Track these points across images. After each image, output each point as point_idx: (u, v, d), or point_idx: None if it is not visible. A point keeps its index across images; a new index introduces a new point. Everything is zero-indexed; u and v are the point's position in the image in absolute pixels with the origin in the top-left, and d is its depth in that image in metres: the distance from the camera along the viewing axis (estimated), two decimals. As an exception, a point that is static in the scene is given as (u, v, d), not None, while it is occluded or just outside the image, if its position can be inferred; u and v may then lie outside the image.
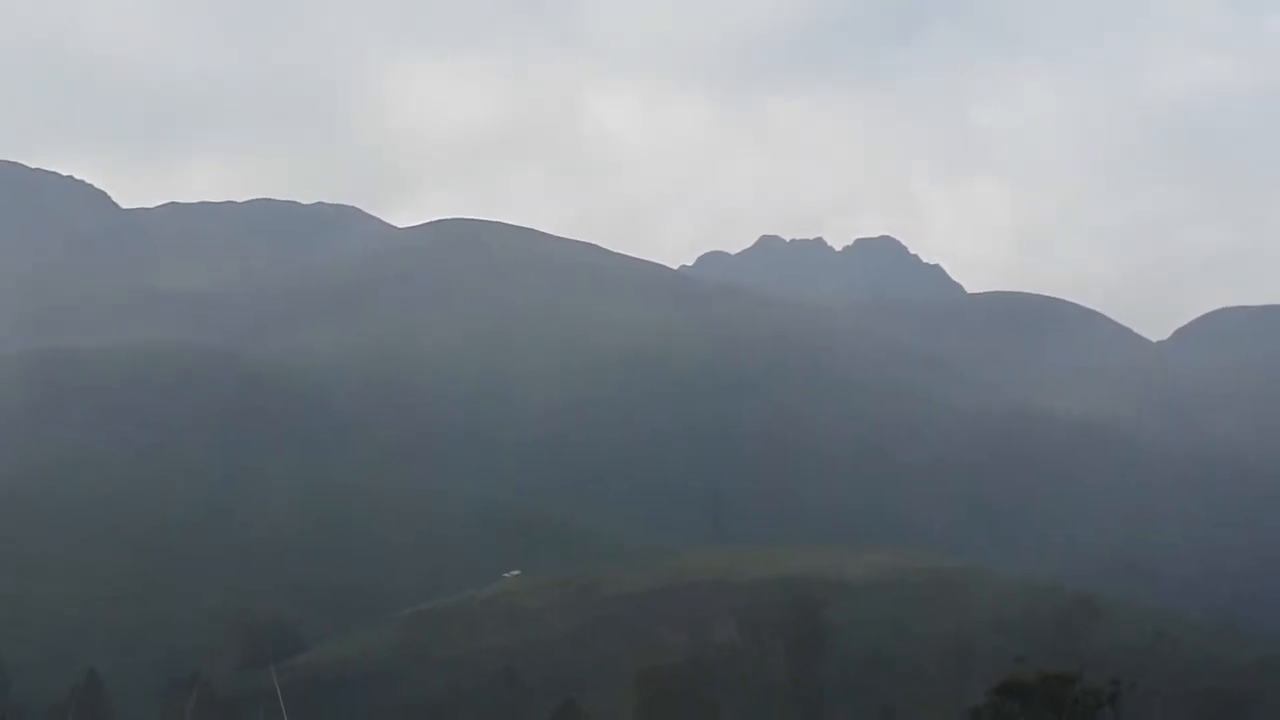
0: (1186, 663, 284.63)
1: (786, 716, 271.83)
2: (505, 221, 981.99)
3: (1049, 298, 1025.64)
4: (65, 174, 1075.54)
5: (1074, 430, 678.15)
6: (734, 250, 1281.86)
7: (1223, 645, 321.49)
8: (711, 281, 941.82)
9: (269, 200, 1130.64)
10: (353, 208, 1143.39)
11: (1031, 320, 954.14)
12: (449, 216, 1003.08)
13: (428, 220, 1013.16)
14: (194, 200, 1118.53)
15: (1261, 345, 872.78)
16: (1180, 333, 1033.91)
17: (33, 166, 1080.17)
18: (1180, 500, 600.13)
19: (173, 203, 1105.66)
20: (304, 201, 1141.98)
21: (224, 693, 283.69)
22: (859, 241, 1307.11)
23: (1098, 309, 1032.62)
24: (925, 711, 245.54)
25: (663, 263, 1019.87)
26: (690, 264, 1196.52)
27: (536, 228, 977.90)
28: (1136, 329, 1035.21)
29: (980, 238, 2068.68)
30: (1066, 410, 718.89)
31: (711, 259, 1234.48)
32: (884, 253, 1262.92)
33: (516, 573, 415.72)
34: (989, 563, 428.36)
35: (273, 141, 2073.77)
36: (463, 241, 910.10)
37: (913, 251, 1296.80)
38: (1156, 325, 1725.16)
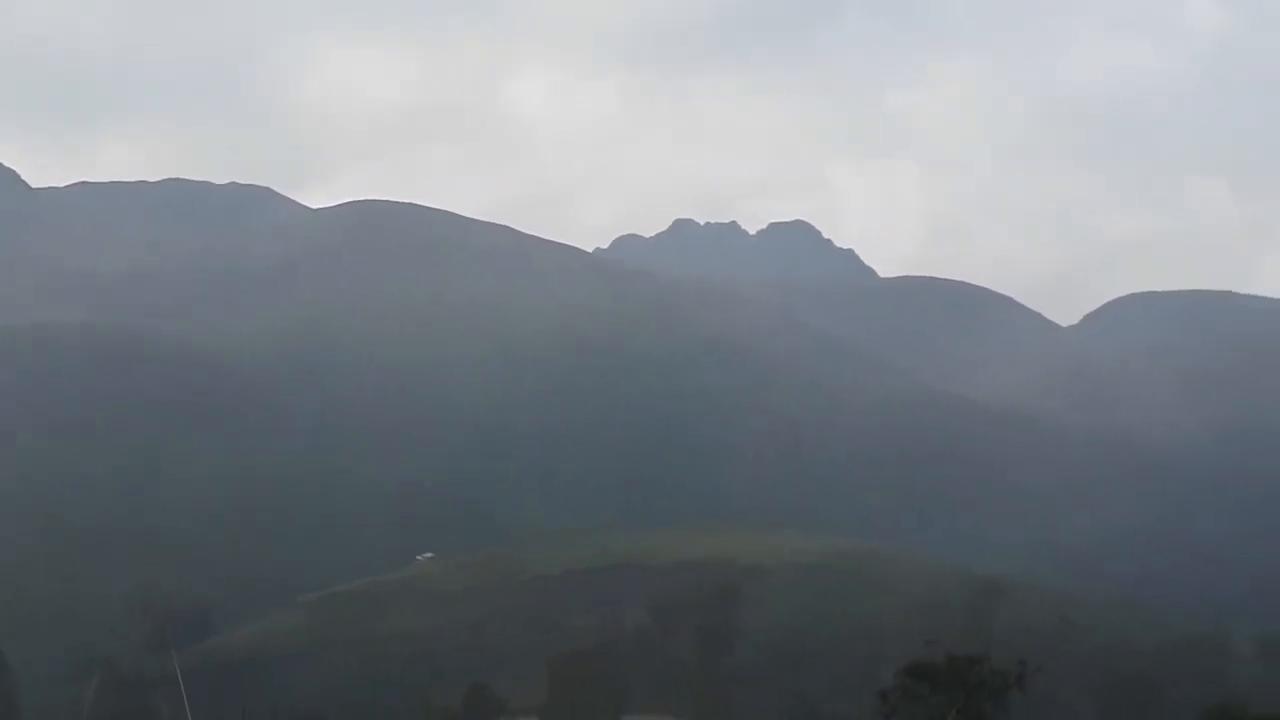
0: (1092, 645, 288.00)
1: (697, 699, 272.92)
2: (420, 203, 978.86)
3: (961, 283, 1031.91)
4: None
5: (985, 415, 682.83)
6: (649, 233, 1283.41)
7: (1128, 628, 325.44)
8: (625, 264, 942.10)
9: (181, 180, 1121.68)
10: (266, 188, 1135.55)
11: (943, 305, 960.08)
12: (363, 198, 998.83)
13: (342, 202, 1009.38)
14: (105, 180, 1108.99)
15: (1169, 331, 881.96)
16: (1090, 317, 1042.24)
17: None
18: (1090, 485, 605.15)
19: (84, 182, 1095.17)
20: (217, 182, 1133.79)
21: (130, 676, 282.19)
22: (772, 225, 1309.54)
23: (1009, 294, 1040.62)
24: (836, 694, 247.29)
25: (578, 245, 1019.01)
26: (605, 246, 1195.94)
27: (452, 209, 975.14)
28: (1048, 314, 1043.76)
29: (894, 223, 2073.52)
30: (978, 396, 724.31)
31: (626, 242, 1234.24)
32: (797, 237, 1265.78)
33: (430, 555, 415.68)
34: (902, 547, 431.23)
35: (185, 121, 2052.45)
36: (377, 223, 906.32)
37: (826, 236, 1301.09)
38: (1067, 311, 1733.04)
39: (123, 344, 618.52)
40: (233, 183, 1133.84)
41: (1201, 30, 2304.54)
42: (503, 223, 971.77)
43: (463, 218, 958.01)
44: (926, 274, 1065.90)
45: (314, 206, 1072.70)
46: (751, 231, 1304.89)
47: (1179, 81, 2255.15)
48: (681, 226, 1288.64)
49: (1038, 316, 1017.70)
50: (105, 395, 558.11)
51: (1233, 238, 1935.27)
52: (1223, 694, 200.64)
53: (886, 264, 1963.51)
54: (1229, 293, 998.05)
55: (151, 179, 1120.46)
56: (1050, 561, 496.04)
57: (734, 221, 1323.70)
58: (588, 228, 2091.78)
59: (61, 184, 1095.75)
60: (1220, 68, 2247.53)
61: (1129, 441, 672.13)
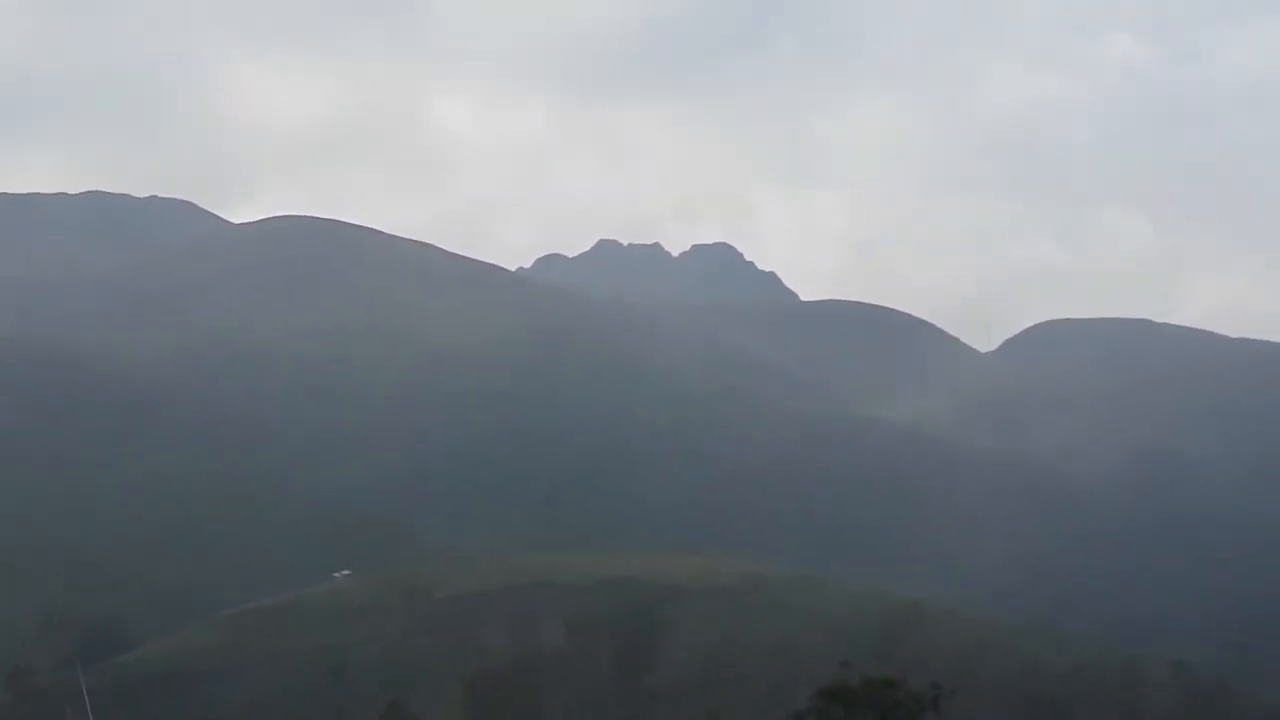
0: (1007, 667, 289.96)
1: (616, 718, 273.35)
2: (342, 219, 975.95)
3: (881, 307, 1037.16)
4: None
5: (902, 439, 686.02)
6: (571, 253, 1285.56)
7: (1042, 650, 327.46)
8: (546, 284, 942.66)
9: (101, 193, 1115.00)
10: (187, 202, 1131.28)
11: (863, 329, 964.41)
12: (285, 214, 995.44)
13: (264, 217, 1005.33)
14: (24, 191, 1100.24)
15: (1085, 357, 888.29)
16: (1008, 344, 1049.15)
17: None
18: (1004, 509, 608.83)
19: (2, 193, 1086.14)
20: (138, 195, 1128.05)
21: (40, 692, 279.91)
22: (695, 247, 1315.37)
23: (929, 319, 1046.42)
24: (752, 716, 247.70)
25: (502, 264, 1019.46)
26: (528, 266, 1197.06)
27: (374, 226, 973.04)
28: (965, 339, 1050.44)
29: (816, 247, 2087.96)
30: (895, 419, 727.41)
31: (549, 262, 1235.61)
32: (720, 259, 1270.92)
33: (346, 572, 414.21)
34: (816, 569, 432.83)
35: (107, 134, 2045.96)
36: (297, 238, 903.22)
37: (749, 259, 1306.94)
38: (985, 336, 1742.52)
39: (38, 356, 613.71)
40: (153, 196, 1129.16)
41: (1118, 63, 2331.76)
42: (426, 240, 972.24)
43: (385, 235, 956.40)
44: (847, 298, 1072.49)
45: (236, 221, 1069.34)
46: (675, 253, 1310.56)
47: (1097, 113, 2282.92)
48: (604, 247, 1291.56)
49: (956, 342, 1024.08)
50: (18, 407, 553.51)
51: (1150, 267, 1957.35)
52: (1135, 718, 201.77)
53: (808, 287, 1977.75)
54: (1146, 321, 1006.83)
55: (71, 191, 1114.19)
56: (965, 586, 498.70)
57: (657, 243, 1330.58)
58: (511, 247, 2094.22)
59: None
60: (1137, 100, 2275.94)
61: (1044, 467, 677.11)
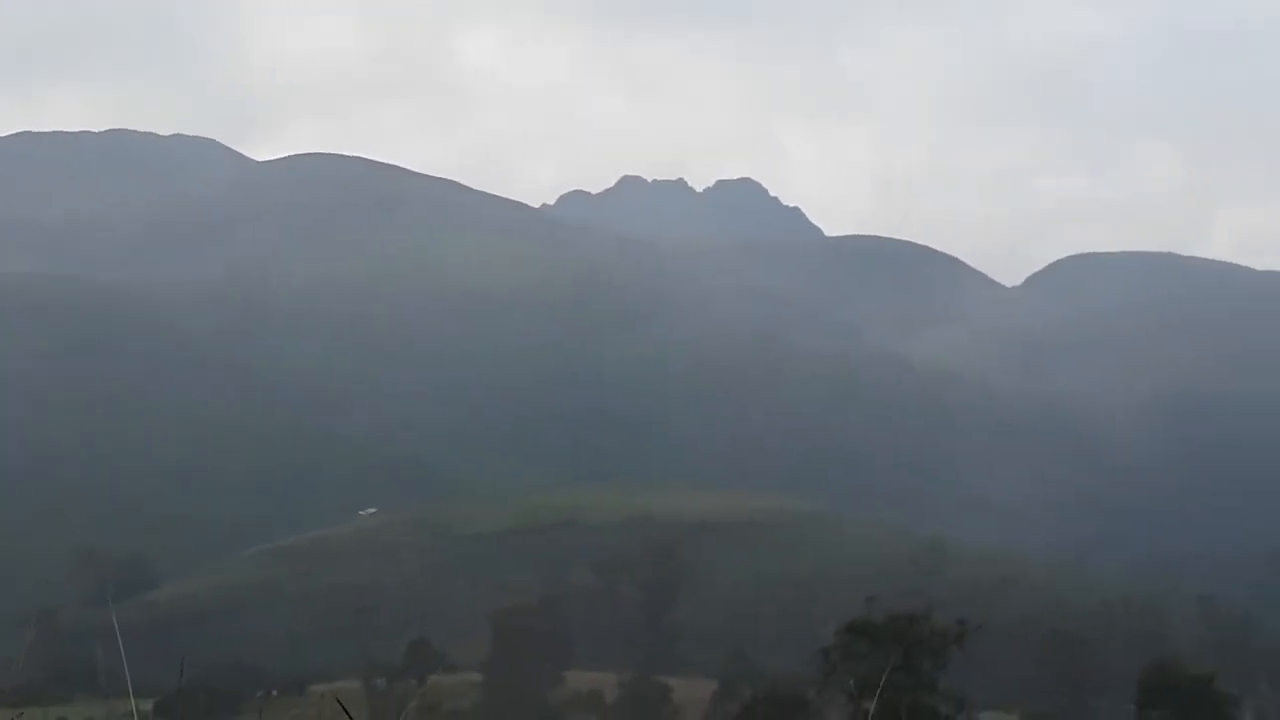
0: (1033, 604, 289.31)
1: (640, 655, 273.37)
2: (367, 157, 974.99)
3: (906, 242, 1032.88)
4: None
5: (927, 374, 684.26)
6: (596, 190, 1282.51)
7: (1067, 587, 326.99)
8: (572, 221, 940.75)
9: (126, 131, 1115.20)
10: (211, 140, 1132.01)
11: (888, 264, 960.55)
12: (310, 151, 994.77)
13: (288, 154, 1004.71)
14: (48, 129, 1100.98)
15: (1110, 291, 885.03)
16: (1033, 279, 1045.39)
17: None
18: (1030, 447, 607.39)
19: (27, 131, 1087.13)
20: (162, 133, 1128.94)
21: (70, 628, 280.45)
22: (720, 183, 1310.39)
23: (955, 254, 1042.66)
24: (777, 651, 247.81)
25: (525, 201, 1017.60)
26: (552, 203, 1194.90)
27: (399, 164, 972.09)
28: (992, 275, 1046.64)
29: (841, 181, 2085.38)
30: (920, 354, 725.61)
31: (573, 198, 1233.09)
32: (744, 194, 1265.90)
33: (373, 510, 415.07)
34: (842, 506, 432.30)
35: (131, 72, 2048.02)
36: (321, 176, 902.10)
37: (773, 194, 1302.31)
38: (1012, 271, 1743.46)
39: (65, 295, 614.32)
40: (178, 134, 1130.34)
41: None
42: (450, 178, 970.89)
43: (410, 172, 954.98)
44: (873, 233, 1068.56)
45: (260, 159, 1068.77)
46: (699, 189, 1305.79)
47: (1127, 46, 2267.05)
48: (628, 183, 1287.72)
49: (982, 277, 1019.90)
50: (44, 347, 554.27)
51: (1179, 201, 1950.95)
52: (1160, 654, 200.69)
53: (833, 222, 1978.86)
54: (1173, 255, 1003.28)
55: (96, 129, 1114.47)
56: (991, 524, 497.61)
57: (681, 179, 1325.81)
58: (535, 184, 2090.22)
59: (2, 133, 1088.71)
60: (1167, 33, 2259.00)
61: (1071, 404, 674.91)
